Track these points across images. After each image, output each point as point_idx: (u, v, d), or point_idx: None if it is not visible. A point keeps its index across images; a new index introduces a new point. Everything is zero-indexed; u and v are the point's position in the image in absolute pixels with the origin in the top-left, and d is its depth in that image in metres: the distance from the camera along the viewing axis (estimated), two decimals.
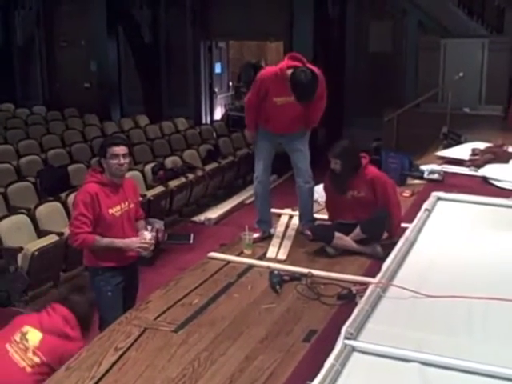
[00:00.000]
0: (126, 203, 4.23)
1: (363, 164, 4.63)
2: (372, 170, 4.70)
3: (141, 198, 7.04)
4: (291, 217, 5.37)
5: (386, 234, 4.66)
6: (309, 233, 4.87)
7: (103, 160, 4.14)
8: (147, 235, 4.30)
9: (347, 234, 4.59)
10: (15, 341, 3.32)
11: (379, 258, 4.35)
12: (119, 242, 4.15)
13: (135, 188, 4.47)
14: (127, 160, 4.20)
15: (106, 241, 4.09)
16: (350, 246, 4.57)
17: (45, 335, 3.35)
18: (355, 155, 4.63)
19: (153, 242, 4.32)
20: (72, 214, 4.14)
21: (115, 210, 4.14)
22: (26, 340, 3.33)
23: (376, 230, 4.59)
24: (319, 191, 5.13)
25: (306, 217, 5.02)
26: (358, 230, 4.55)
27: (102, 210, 4.07)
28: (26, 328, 3.38)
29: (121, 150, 4.10)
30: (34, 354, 3.29)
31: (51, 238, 6.29)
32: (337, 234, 4.55)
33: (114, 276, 4.27)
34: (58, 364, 3.24)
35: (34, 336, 3.34)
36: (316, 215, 5.13)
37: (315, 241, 4.72)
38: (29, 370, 3.26)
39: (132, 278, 4.46)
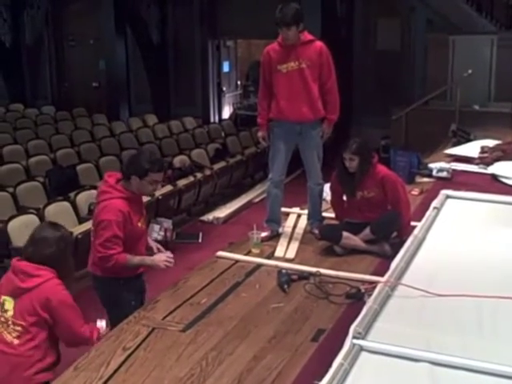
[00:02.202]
0: (144, 211, 4.15)
1: (374, 163, 4.61)
2: (382, 168, 4.68)
3: (148, 198, 7.07)
4: (299, 216, 5.36)
5: (394, 233, 4.65)
6: (317, 232, 4.87)
7: (135, 178, 3.86)
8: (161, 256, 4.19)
9: (356, 233, 4.58)
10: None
11: (387, 257, 4.33)
12: (148, 260, 4.01)
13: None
14: (161, 183, 4.12)
15: (137, 259, 3.93)
16: (358, 245, 4.56)
17: (16, 298, 3.26)
18: (370, 152, 4.62)
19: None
20: (100, 233, 3.81)
21: (142, 222, 4.02)
22: (5, 311, 3.28)
23: (386, 232, 4.58)
24: (327, 190, 5.12)
25: (315, 216, 5.01)
26: (367, 230, 4.54)
27: (133, 226, 3.91)
28: (3, 298, 3.31)
29: (161, 176, 3.98)
30: (14, 323, 3.25)
31: None
32: (345, 234, 4.53)
33: (136, 284, 4.14)
34: (49, 313, 3.22)
35: (9, 304, 3.27)
36: (324, 214, 5.11)
37: (323, 240, 4.71)
38: (16, 342, 3.24)
39: (145, 282, 4.41)
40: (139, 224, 3.97)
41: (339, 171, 4.64)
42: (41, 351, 3.25)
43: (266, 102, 4.83)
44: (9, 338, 3.25)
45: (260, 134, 4.95)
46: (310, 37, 4.71)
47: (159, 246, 4.35)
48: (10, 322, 3.25)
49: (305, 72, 4.64)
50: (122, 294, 3.99)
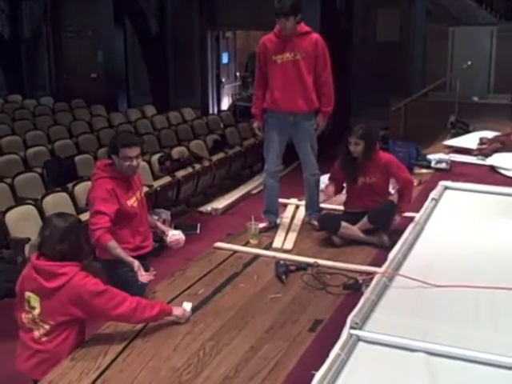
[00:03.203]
0: (138, 192, 4.15)
1: (377, 149, 4.63)
2: (384, 154, 4.72)
3: (147, 189, 7.06)
4: (297, 207, 5.36)
5: (395, 222, 4.63)
6: (315, 222, 4.87)
7: (114, 156, 3.95)
8: (175, 232, 4.24)
9: (354, 223, 4.58)
10: (25, 310, 3.30)
11: (385, 248, 4.33)
12: (129, 261, 3.84)
13: (140, 177, 4.42)
14: (139, 160, 4.07)
15: (118, 251, 3.82)
16: (356, 235, 4.56)
17: (42, 297, 3.23)
18: (375, 138, 4.65)
19: (182, 238, 4.22)
20: (90, 212, 3.92)
21: (133, 201, 4.03)
22: (32, 308, 3.27)
23: (383, 221, 4.57)
24: (325, 181, 5.11)
25: (313, 207, 5.01)
26: (365, 220, 4.54)
27: (122, 204, 3.93)
28: (27, 294, 3.30)
29: (133, 151, 3.95)
30: (42, 321, 3.23)
31: None
32: (343, 224, 4.54)
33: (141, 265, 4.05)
34: (83, 308, 3.18)
35: (35, 302, 3.26)
36: (322, 205, 5.11)
37: (322, 230, 4.71)
38: (44, 339, 3.23)
39: (147, 269, 4.36)
40: (129, 203, 3.98)
41: (343, 156, 4.64)
42: (68, 347, 3.22)
43: (261, 91, 4.83)
44: (36, 334, 3.24)
45: (255, 124, 4.95)
46: (306, 28, 4.70)
47: (169, 228, 4.40)
48: (37, 320, 3.24)
49: (300, 63, 4.64)
50: (126, 274, 3.92)
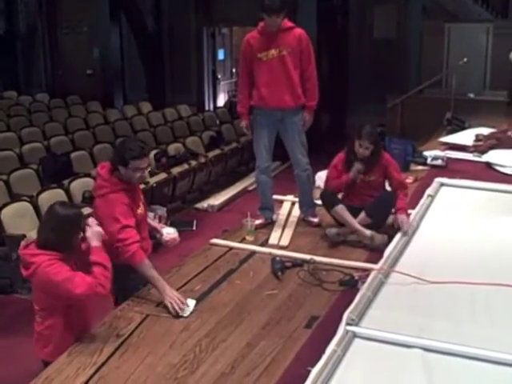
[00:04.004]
0: (142, 197, 4.05)
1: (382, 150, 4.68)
2: (384, 153, 4.73)
3: (144, 185, 7.05)
4: (293, 203, 5.36)
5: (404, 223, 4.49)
6: (312, 219, 4.87)
7: (122, 168, 3.73)
8: (170, 230, 4.17)
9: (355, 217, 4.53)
10: None
11: (380, 249, 4.29)
12: (160, 285, 3.62)
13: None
14: (149, 169, 3.98)
15: (151, 273, 3.62)
16: (350, 221, 4.47)
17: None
18: (381, 141, 4.68)
19: (177, 237, 4.14)
20: (109, 230, 3.58)
21: (141, 209, 3.93)
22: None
23: (382, 213, 4.53)
24: (322, 178, 5.10)
25: (307, 203, 5.00)
26: (363, 214, 4.50)
27: (135, 214, 3.81)
28: None
29: (144, 162, 3.80)
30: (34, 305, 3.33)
31: None
32: (341, 205, 4.51)
33: None
34: (49, 293, 3.19)
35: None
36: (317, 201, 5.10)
37: (321, 203, 4.71)
38: (38, 320, 3.31)
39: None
40: (138, 211, 3.90)
41: (349, 156, 4.62)
42: (57, 331, 3.24)
43: (246, 90, 4.83)
44: (36, 317, 3.33)
45: (243, 123, 4.94)
46: (289, 24, 4.69)
47: (162, 225, 4.32)
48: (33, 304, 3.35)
49: (285, 59, 4.63)
50: (131, 281, 3.79)
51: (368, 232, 4.42)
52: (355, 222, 4.47)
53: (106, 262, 3.29)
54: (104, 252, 3.34)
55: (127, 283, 3.78)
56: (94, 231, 3.36)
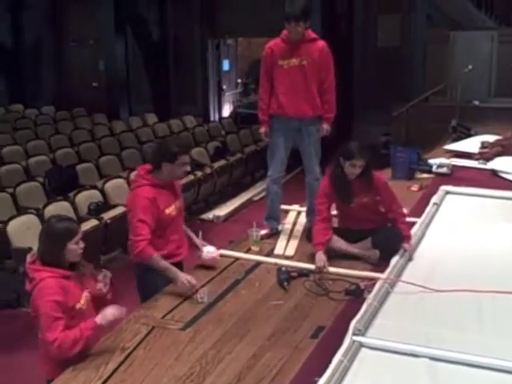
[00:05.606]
0: (178, 200, 4.18)
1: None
2: (375, 173, 4.45)
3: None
4: (299, 213, 5.35)
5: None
6: None
7: (166, 164, 3.95)
8: (210, 249, 4.29)
9: (349, 241, 4.40)
10: None
11: (377, 263, 4.24)
12: (172, 271, 3.84)
13: (180, 185, 4.40)
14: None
15: (162, 264, 3.84)
16: (345, 250, 4.38)
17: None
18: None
19: (218, 254, 4.30)
20: (130, 220, 3.91)
21: (171, 210, 4.05)
22: None
23: (390, 249, 4.28)
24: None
25: (314, 212, 4.98)
26: (368, 244, 4.34)
27: (160, 212, 3.95)
28: None
29: (188, 157, 4.09)
30: None
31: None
32: (334, 237, 4.36)
33: None
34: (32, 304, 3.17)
35: None
36: None
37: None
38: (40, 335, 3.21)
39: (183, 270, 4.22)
40: (167, 211, 4.00)
41: (337, 180, 4.35)
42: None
43: (267, 96, 4.84)
44: (39, 333, 3.23)
45: (262, 129, 4.92)
46: (313, 35, 4.75)
47: (204, 243, 4.39)
48: None
49: (305, 69, 4.68)
50: (155, 280, 3.92)
51: (368, 253, 4.33)
52: (353, 249, 4.37)
53: (84, 336, 3.10)
54: (96, 331, 3.15)
55: (149, 282, 3.95)
56: (108, 314, 3.18)
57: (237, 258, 4.48)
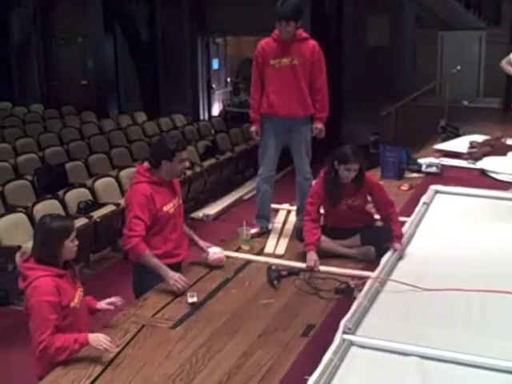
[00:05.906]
0: (177, 199, 4.17)
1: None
2: (368, 175, 4.43)
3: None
4: (289, 212, 5.36)
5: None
6: None
7: (165, 162, 3.97)
8: (216, 250, 4.29)
9: (336, 239, 4.41)
10: None
11: (370, 260, 4.25)
12: (163, 270, 3.85)
13: (179, 184, 4.38)
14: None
15: (154, 261, 3.85)
16: (336, 249, 4.39)
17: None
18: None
19: (223, 257, 4.31)
20: (127, 216, 3.95)
21: (169, 208, 4.05)
22: None
23: (379, 246, 4.30)
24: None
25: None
26: (357, 240, 4.37)
27: (157, 209, 3.95)
28: None
29: (185, 154, 4.08)
30: None
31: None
32: (323, 238, 4.34)
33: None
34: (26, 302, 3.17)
35: None
36: None
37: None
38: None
39: (182, 272, 4.20)
40: (165, 208, 4.00)
41: (330, 183, 4.31)
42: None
43: (258, 95, 4.83)
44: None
45: (253, 128, 4.90)
46: (304, 35, 4.74)
47: (209, 244, 4.38)
48: None
49: (296, 68, 4.67)
50: (150, 281, 3.94)
51: (355, 252, 4.35)
52: (342, 248, 4.38)
53: (70, 348, 3.07)
54: (83, 347, 3.12)
55: (143, 277, 3.96)
56: (99, 339, 3.11)
57: (227, 257, 4.47)
